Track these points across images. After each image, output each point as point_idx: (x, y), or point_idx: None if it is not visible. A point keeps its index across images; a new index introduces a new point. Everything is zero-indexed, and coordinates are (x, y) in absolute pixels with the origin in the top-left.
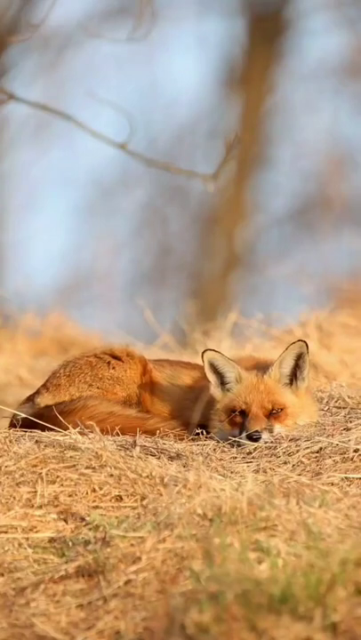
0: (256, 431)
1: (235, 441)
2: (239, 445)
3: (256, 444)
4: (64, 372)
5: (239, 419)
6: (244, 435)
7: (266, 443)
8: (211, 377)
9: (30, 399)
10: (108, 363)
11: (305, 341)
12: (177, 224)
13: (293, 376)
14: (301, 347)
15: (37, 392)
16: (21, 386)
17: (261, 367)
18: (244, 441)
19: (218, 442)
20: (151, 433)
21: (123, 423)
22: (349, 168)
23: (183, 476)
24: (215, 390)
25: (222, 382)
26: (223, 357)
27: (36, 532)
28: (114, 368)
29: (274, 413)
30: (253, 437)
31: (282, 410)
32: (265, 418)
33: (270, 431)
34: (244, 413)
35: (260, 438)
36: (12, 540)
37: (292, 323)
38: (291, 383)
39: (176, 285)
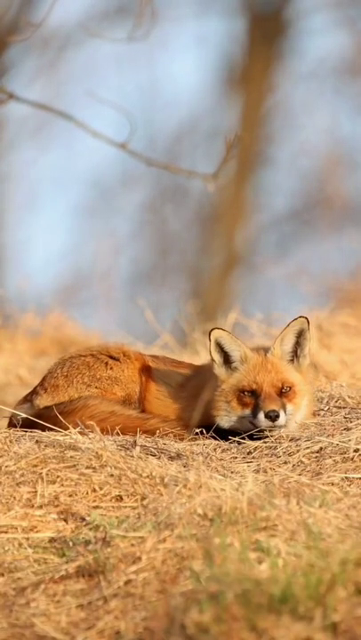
0: (273, 410)
1: (251, 422)
2: (255, 427)
3: (275, 424)
4: (61, 372)
5: (249, 399)
6: (261, 414)
7: (279, 429)
8: (215, 356)
9: (28, 399)
10: (106, 363)
11: (306, 317)
12: (177, 224)
13: (294, 353)
14: (303, 323)
15: (35, 393)
16: (21, 386)
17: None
18: (262, 422)
19: (218, 441)
20: (151, 433)
21: (123, 423)
22: (349, 168)
23: (183, 475)
24: (220, 370)
25: (226, 361)
26: (230, 336)
27: (37, 531)
28: (111, 368)
29: (284, 392)
30: (272, 416)
31: (290, 388)
32: (278, 397)
33: (284, 411)
34: (254, 393)
35: (278, 416)
36: (13, 539)
37: None
38: (292, 361)
39: (176, 285)
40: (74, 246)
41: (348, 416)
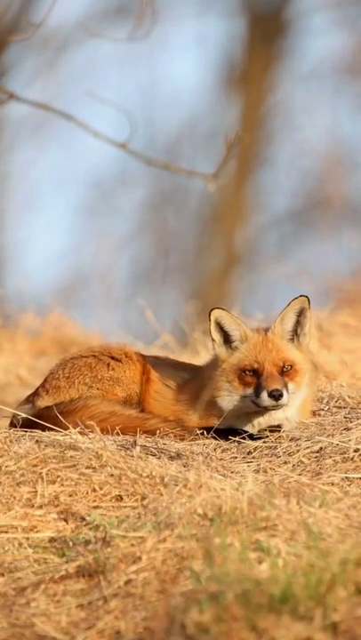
0: (277, 389)
1: (253, 402)
2: (258, 406)
3: (278, 403)
4: (63, 373)
5: (251, 378)
6: (264, 394)
7: (280, 405)
8: (215, 336)
9: (29, 400)
10: (108, 364)
11: (307, 296)
12: (177, 224)
13: (295, 332)
14: (303, 302)
15: (36, 394)
16: (21, 386)
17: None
18: (265, 401)
19: (218, 441)
20: (151, 433)
21: (123, 423)
22: (349, 167)
23: (183, 475)
24: (220, 349)
25: (226, 341)
26: (230, 315)
27: (37, 531)
28: (113, 369)
29: (285, 371)
30: (275, 395)
31: (292, 367)
32: (279, 376)
33: (286, 389)
34: (256, 372)
35: (281, 396)
36: (13, 539)
37: None
38: (293, 340)
39: (176, 285)
40: (74, 246)
41: (348, 416)
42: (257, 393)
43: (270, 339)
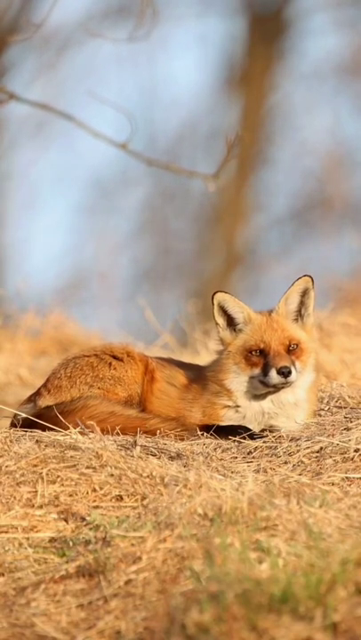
0: (285, 366)
1: (261, 382)
2: (267, 386)
3: (287, 380)
4: (64, 372)
5: (257, 359)
6: (273, 372)
7: (289, 383)
8: (219, 319)
9: (31, 400)
10: (110, 364)
11: (310, 276)
12: (177, 224)
13: (298, 313)
14: (307, 282)
15: (38, 393)
16: (21, 386)
17: None
18: (274, 379)
19: (218, 440)
20: (152, 433)
21: (123, 423)
22: (350, 167)
23: (184, 475)
24: (224, 333)
25: (230, 324)
26: (233, 298)
27: (37, 531)
28: (115, 369)
29: (291, 350)
30: (284, 372)
31: (297, 345)
32: (286, 354)
33: (294, 367)
34: (262, 352)
35: (290, 372)
36: (13, 539)
37: None
38: (297, 320)
39: (176, 285)
40: (74, 246)
41: (349, 416)
42: (265, 372)
43: (275, 319)
